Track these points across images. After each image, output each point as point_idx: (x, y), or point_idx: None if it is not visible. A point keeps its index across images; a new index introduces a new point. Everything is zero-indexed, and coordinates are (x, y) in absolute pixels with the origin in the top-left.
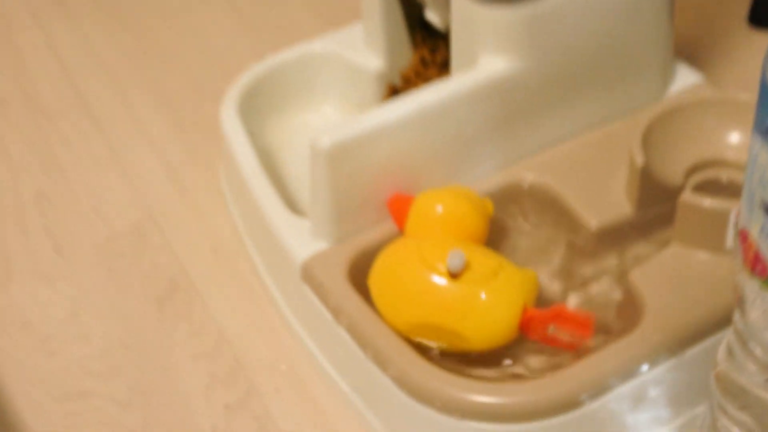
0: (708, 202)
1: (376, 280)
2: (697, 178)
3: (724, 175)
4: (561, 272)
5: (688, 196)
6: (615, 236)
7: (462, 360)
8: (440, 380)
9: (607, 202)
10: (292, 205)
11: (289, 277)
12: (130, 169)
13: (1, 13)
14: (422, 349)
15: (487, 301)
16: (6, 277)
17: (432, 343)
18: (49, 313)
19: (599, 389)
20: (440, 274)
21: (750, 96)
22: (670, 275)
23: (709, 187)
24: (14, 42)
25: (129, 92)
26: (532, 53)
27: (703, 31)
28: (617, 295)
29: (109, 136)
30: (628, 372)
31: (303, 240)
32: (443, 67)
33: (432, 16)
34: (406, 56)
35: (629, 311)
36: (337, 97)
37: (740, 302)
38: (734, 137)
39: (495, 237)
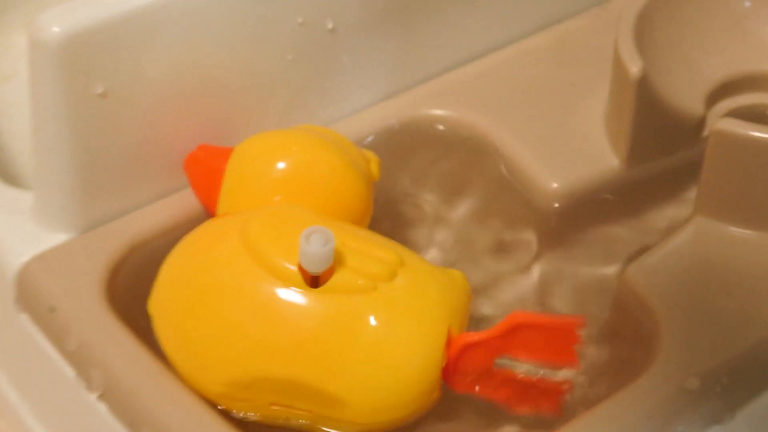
0: (760, 132)
1: (164, 300)
2: (727, 105)
3: None
4: (509, 272)
5: (725, 124)
6: (592, 208)
7: None
8: None
9: (577, 151)
10: (8, 169)
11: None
12: None
13: None
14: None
15: (381, 329)
16: None
17: (280, 420)
18: None
19: None
20: (287, 279)
21: None
22: (695, 269)
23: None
24: None
25: None
26: None
27: None
28: (601, 307)
29: None
30: None
31: (20, 228)
32: None
33: None
34: None
35: (629, 336)
36: None
37: None
38: None
39: (387, 219)
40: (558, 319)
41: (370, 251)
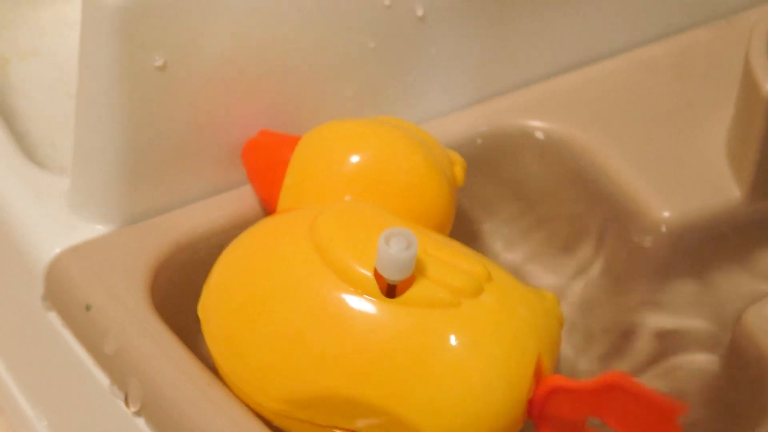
0: None
1: (217, 301)
2: None
3: None
4: (603, 301)
5: None
6: (705, 244)
7: None
8: None
9: (693, 178)
10: (31, 155)
11: (19, 296)
12: None
13: None
14: None
15: (462, 350)
16: None
17: None
18: None
19: None
20: (361, 285)
21: None
22: None
23: None
24: None
25: None
26: None
27: None
28: (713, 352)
29: None
30: None
31: (52, 217)
32: None
33: None
34: None
35: (745, 387)
36: None
37: None
38: None
39: (468, 228)
40: (658, 396)
41: (455, 262)
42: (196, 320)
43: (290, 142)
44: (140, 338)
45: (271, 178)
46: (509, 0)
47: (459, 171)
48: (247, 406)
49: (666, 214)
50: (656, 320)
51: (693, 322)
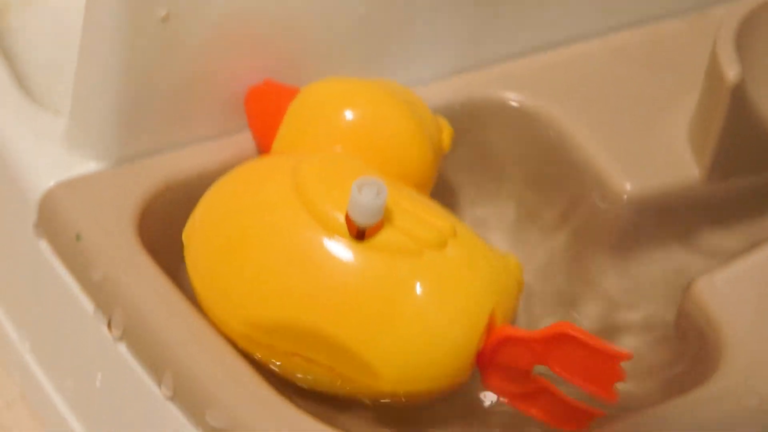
0: None
1: (200, 229)
2: None
3: None
4: (568, 268)
5: None
6: (667, 217)
7: (349, 408)
8: None
9: (656, 156)
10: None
11: (13, 224)
12: None
13: None
14: (276, 382)
15: (421, 297)
16: None
17: (299, 373)
18: None
19: None
20: (332, 228)
21: None
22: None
23: None
24: None
25: None
26: None
27: None
28: (668, 317)
29: None
30: None
31: (49, 153)
32: None
33: None
34: None
35: (691, 347)
36: None
37: None
38: None
39: (447, 191)
40: (604, 344)
41: (423, 215)
42: (181, 256)
43: (290, 93)
44: (125, 268)
45: (268, 124)
46: None
47: (446, 138)
48: (216, 326)
49: (628, 186)
50: (611, 287)
51: (645, 291)
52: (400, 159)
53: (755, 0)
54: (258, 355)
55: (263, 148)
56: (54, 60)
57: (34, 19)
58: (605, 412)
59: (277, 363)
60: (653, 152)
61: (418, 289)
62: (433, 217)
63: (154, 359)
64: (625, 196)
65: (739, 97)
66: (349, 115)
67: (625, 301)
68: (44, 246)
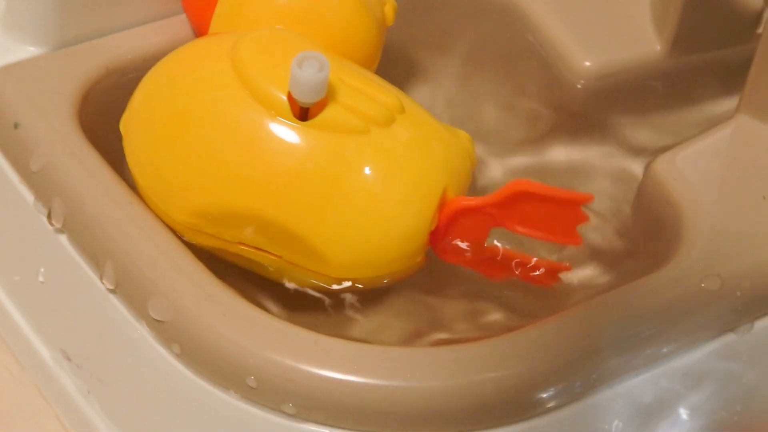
0: None
1: (138, 117)
2: None
3: None
4: (520, 145)
5: None
6: (624, 95)
7: (302, 301)
8: (262, 331)
9: (616, 31)
10: None
11: None
12: None
13: None
14: (236, 281)
15: (369, 176)
16: None
17: (246, 263)
18: None
19: (596, 374)
20: (274, 107)
21: None
22: (729, 169)
23: None
24: None
25: None
26: None
27: None
28: (623, 198)
29: None
30: (650, 345)
31: None
32: None
33: None
34: None
35: (650, 230)
36: None
37: None
38: None
39: (397, 72)
40: (564, 192)
41: (369, 91)
42: (122, 142)
43: None
44: (65, 157)
45: (202, 5)
46: None
47: (389, 11)
48: (159, 217)
49: (587, 63)
50: (568, 167)
51: (605, 167)
52: (344, 33)
53: None
54: (204, 245)
55: (200, 30)
56: None
57: None
58: (570, 267)
59: (224, 252)
60: (613, 27)
61: (366, 168)
62: (379, 92)
63: (94, 250)
64: (585, 75)
65: None
66: None
67: (581, 181)
68: None
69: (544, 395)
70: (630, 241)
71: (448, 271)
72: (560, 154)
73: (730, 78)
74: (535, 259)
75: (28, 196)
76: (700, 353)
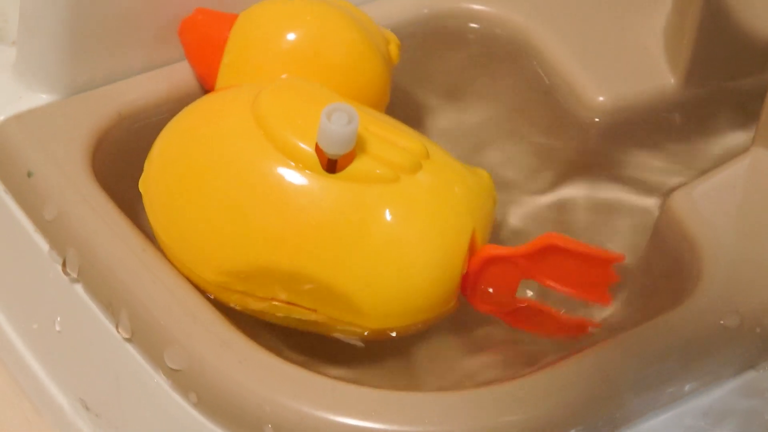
0: None
1: (158, 175)
2: None
3: None
4: (535, 182)
5: None
6: (639, 129)
7: (329, 350)
8: (290, 383)
9: (629, 64)
10: None
11: None
12: None
13: None
14: (251, 328)
15: (398, 225)
16: None
17: (279, 319)
18: None
19: (618, 414)
20: (302, 160)
21: None
22: (747, 202)
23: None
24: None
25: None
26: None
27: None
28: (640, 233)
29: None
30: (671, 384)
31: None
32: None
33: None
34: None
35: (668, 266)
36: None
37: None
38: None
39: (409, 111)
40: (594, 249)
41: (394, 139)
42: (137, 190)
43: (227, 20)
44: (79, 205)
45: (209, 55)
46: None
47: (394, 49)
48: (187, 278)
49: (601, 98)
50: (586, 195)
51: (621, 202)
52: (354, 77)
53: None
54: (236, 304)
55: (206, 83)
56: None
57: None
58: (599, 323)
59: (256, 310)
60: (626, 60)
61: (396, 217)
62: (404, 139)
63: (110, 299)
64: (599, 110)
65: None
66: (294, 35)
67: (600, 217)
68: None
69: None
70: (648, 278)
71: (471, 314)
72: (576, 189)
73: (746, 109)
74: (564, 313)
75: (43, 244)
76: (722, 391)
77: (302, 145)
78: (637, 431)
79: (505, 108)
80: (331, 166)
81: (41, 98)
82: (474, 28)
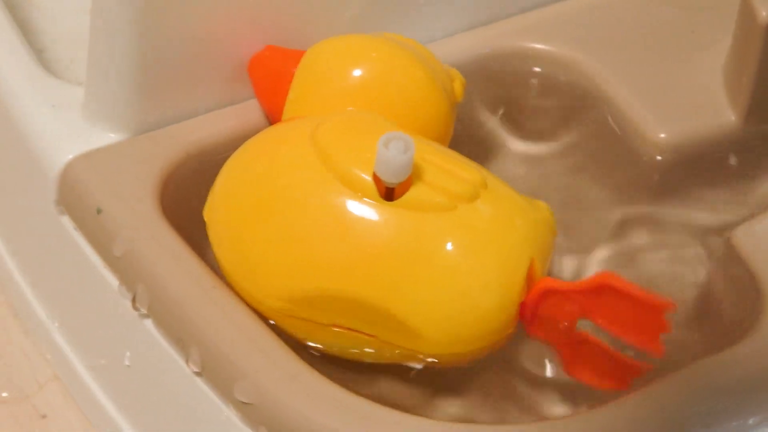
0: None
1: (222, 204)
2: None
3: None
4: (597, 219)
5: None
6: (700, 166)
7: (388, 374)
8: (349, 414)
9: (690, 102)
10: (51, 70)
11: (34, 201)
12: None
13: None
14: (308, 355)
15: (457, 253)
16: None
17: (340, 346)
18: None
19: None
20: (360, 188)
21: None
22: None
23: None
24: None
25: None
26: None
27: None
28: (703, 269)
29: None
30: (735, 418)
31: (67, 124)
32: None
33: None
34: None
35: (731, 301)
36: None
37: None
38: None
39: (465, 147)
40: (647, 294)
41: (452, 168)
42: (204, 227)
43: (295, 57)
44: (148, 241)
45: (276, 91)
46: None
47: (458, 87)
48: (248, 304)
49: (662, 135)
50: (649, 231)
51: (682, 240)
52: (417, 112)
53: None
54: (296, 331)
55: (273, 118)
56: (75, 30)
57: None
58: (651, 366)
59: (317, 337)
60: (687, 98)
61: (454, 245)
62: (461, 169)
63: (180, 335)
64: (660, 147)
65: None
66: (359, 71)
67: (663, 252)
68: (66, 222)
69: None
70: (711, 313)
71: (526, 351)
72: (638, 225)
73: None
74: (619, 353)
75: (113, 280)
76: None
77: (361, 174)
78: None
79: (566, 145)
80: (389, 194)
81: (110, 137)
82: (536, 66)
